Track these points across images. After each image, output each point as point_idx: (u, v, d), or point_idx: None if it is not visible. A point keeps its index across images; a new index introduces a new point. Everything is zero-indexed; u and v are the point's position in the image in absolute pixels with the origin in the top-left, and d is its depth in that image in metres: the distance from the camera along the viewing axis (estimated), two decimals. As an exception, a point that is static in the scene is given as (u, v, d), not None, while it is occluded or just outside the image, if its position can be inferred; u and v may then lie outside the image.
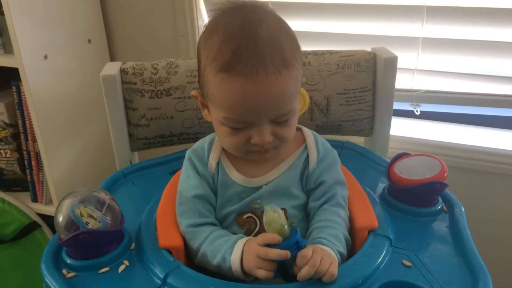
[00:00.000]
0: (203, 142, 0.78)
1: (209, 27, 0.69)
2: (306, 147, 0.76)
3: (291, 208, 0.74)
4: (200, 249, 0.70)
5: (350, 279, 0.63)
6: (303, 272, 0.61)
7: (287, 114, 0.68)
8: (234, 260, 0.66)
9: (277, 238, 0.63)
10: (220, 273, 0.69)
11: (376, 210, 0.77)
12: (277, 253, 0.62)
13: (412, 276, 0.65)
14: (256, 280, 0.66)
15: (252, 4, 0.68)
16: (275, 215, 0.63)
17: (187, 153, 0.78)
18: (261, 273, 0.63)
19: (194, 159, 0.77)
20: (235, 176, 0.75)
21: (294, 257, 0.63)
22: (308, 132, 0.79)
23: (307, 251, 0.62)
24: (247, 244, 0.67)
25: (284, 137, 0.70)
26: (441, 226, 0.77)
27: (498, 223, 1.26)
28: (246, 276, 0.66)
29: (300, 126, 0.78)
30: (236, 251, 0.67)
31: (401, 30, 1.16)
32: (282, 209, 0.72)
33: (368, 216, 0.74)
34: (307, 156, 0.76)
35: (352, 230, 0.74)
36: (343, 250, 0.69)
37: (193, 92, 0.75)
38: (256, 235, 0.73)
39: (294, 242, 0.63)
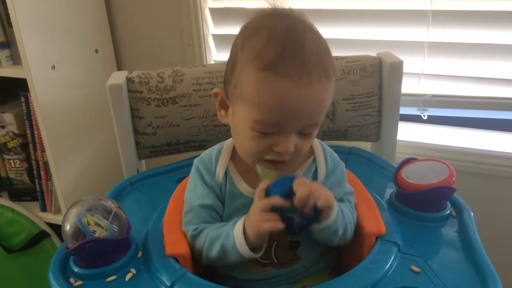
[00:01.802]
0: (211, 151, 0.78)
1: (251, 28, 0.67)
2: (314, 159, 0.76)
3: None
4: (206, 241, 0.70)
5: (358, 285, 0.63)
6: (299, 192, 0.62)
7: (317, 125, 0.67)
8: (236, 231, 0.67)
9: (269, 181, 0.65)
10: (223, 261, 0.69)
11: (384, 215, 0.76)
12: (277, 199, 0.63)
13: (421, 282, 0.64)
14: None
15: (295, 14, 0.68)
16: (267, 169, 0.67)
17: (195, 162, 0.78)
18: (267, 225, 0.63)
19: (201, 169, 0.76)
20: (243, 187, 0.74)
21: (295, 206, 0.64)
22: (317, 143, 0.78)
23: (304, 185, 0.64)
24: (247, 214, 0.68)
25: (301, 150, 0.68)
26: (450, 231, 0.76)
27: (508, 227, 1.24)
28: (252, 250, 0.66)
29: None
30: (239, 224, 0.67)
31: (407, 35, 1.16)
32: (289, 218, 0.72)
33: (376, 222, 0.73)
34: (316, 169, 0.75)
35: (359, 236, 0.73)
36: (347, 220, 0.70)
37: (216, 90, 0.73)
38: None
39: (290, 179, 0.64)
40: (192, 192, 0.75)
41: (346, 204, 0.74)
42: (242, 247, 0.66)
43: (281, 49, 0.62)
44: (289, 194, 0.64)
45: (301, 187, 0.63)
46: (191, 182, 0.77)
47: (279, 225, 0.63)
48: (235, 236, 0.67)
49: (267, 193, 0.66)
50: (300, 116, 0.64)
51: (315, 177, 0.75)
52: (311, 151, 0.76)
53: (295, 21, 0.66)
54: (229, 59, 0.71)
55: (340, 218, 0.69)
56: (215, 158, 0.76)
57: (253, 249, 0.67)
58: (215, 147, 0.78)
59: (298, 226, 0.67)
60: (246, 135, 0.67)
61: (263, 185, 0.66)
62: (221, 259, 0.70)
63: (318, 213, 0.65)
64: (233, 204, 0.74)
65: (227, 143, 0.77)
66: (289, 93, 0.62)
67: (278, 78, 0.62)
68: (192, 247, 0.73)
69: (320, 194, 0.64)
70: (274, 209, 0.64)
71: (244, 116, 0.67)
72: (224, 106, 0.73)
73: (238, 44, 0.68)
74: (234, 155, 0.76)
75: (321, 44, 0.66)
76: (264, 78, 0.62)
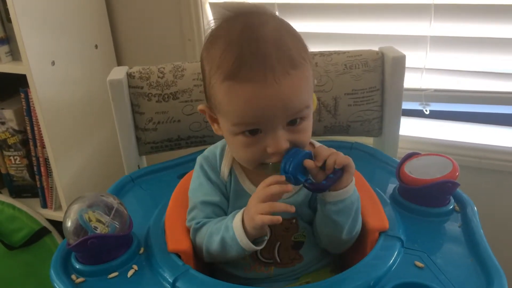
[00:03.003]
0: (215, 149, 0.77)
1: (210, 37, 0.67)
2: None
3: (302, 221, 0.74)
4: (206, 234, 0.70)
5: (361, 281, 0.62)
6: (320, 151, 0.65)
7: (300, 114, 0.65)
8: (236, 223, 0.66)
9: (278, 176, 0.64)
10: (224, 255, 0.68)
11: (387, 211, 0.76)
12: (275, 180, 0.63)
13: (424, 277, 0.64)
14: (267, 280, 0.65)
15: (251, 9, 0.66)
16: (272, 165, 0.66)
17: (199, 160, 0.77)
18: (259, 218, 0.62)
19: (206, 167, 0.75)
20: (248, 186, 0.74)
21: (301, 163, 0.64)
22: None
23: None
24: (246, 206, 0.67)
25: (300, 142, 0.67)
26: (453, 226, 0.75)
27: (511, 222, 1.24)
28: (252, 242, 0.65)
29: (312, 141, 0.76)
30: (238, 216, 0.66)
31: (409, 29, 1.15)
32: (293, 218, 0.72)
33: (379, 217, 0.73)
34: None
35: (363, 231, 0.73)
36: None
37: (200, 107, 0.72)
38: (266, 243, 0.72)
39: (301, 150, 0.65)
40: (197, 190, 0.75)
41: None
42: (242, 239, 0.65)
43: (238, 52, 0.60)
44: (302, 161, 0.64)
45: (322, 149, 0.65)
46: (195, 180, 0.76)
47: (274, 218, 0.61)
48: (234, 228, 0.66)
49: (282, 168, 0.64)
50: (276, 114, 0.62)
51: None
52: None
53: (250, 15, 0.65)
54: (201, 69, 0.71)
55: (355, 196, 0.68)
56: (219, 156, 0.75)
57: (255, 242, 0.66)
58: (218, 145, 0.77)
59: (315, 185, 0.65)
60: (237, 144, 0.67)
61: (270, 178, 0.65)
62: (221, 253, 0.68)
63: (338, 172, 0.65)
64: (238, 202, 0.74)
65: None
66: (257, 96, 0.61)
67: (242, 84, 0.61)
68: (193, 242, 0.72)
69: (340, 155, 0.65)
70: (284, 171, 0.64)
71: (227, 126, 0.66)
72: (214, 119, 0.72)
73: (203, 57, 0.69)
74: None
75: (282, 34, 0.63)
76: (229, 87, 0.62)
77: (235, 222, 0.66)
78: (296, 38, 0.66)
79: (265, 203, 0.63)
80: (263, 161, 0.67)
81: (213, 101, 0.67)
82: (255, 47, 0.60)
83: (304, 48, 0.66)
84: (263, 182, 0.65)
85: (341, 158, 0.64)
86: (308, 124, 0.67)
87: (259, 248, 0.66)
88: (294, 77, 0.62)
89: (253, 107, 0.62)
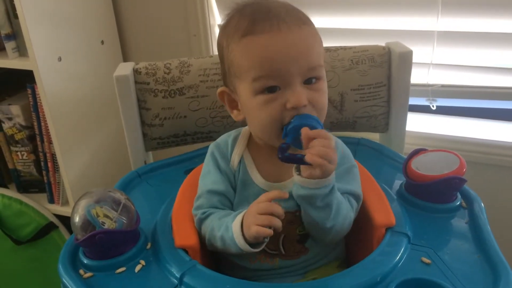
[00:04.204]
0: (227, 137, 0.78)
1: (224, 22, 0.72)
2: None
3: None
4: (209, 227, 0.70)
5: (368, 277, 0.62)
6: (304, 133, 0.63)
7: (315, 72, 0.67)
8: (235, 225, 0.66)
9: (282, 192, 0.65)
10: (225, 251, 0.69)
11: (394, 207, 0.75)
12: (278, 195, 0.64)
13: (431, 274, 0.64)
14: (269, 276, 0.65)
15: None
16: None
17: (210, 147, 0.78)
18: (254, 229, 0.62)
19: (216, 154, 0.76)
20: (256, 177, 0.74)
21: (296, 138, 0.64)
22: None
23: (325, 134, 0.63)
24: (247, 209, 0.67)
25: (319, 103, 0.68)
26: (460, 222, 0.75)
27: (518, 218, 1.24)
28: (250, 245, 0.65)
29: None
30: (238, 218, 0.67)
31: (416, 24, 1.15)
32: (297, 211, 0.72)
33: (386, 213, 0.73)
34: None
35: (369, 227, 0.73)
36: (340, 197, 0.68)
37: (221, 89, 0.74)
38: (271, 236, 0.73)
39: (314, 118, 0.66)
40: (205, 177, 0.76)
41: (346, 200, 0.71)
42: (240, 242, 0.65)
43: (251, 16, 0.66)
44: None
45: (320, 132, 0.63)
46: (205, 167, 0.77)
47: (267, 231, 0.62)
48: (233, 230, 0.66)
49: (287, 125, 0.65)
50: (292, 61, 0.65)
51: None
52: None
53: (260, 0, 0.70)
54: (219, 57, 0.74)
55: (323, 192, 0.65)
56: (231, 144, 0.76)
57: (254, 244, 0.66)
58: (232, 133, 0.78)
59: (281, 151, 0.64)
60: (257, 105, 0.67)
61: (273, 192, 0.65)
62: (223, 249, 0.69)
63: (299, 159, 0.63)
64: (244, 192, 0.74)
65: (245, 130, 0.77)
66: (272, 43, 0.64)
67: (258, 36, 0.65)
68: (199, 231, 0.73)
69: (318, 150, 0.61)
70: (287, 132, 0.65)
71: (246, 88, 0.68)
72: (233, 104, 0.73)
73: (220, 40, 0.73)
74: (250, 142, 0.76)
75: (290, 5, 0.69)
76: (246, 43, 0.66)
77: (235, 224, 0.66)
78: (301, 11, 0.70)
79: (263, 215, 0.63)
80: (282, 121, 0.66)
81: (233, 69, 0.69)
82: (266, 10, 0.66)
83: (308, 17, 0.70)
84: (265, 194, 0.65)
85: (310, 155, 0.61)
86: (324, 86, 0.70)
87: (257, 250, 0.66)
88: (305, 31, 0.67)
89: (270, 54, 0.65)
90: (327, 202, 0.66)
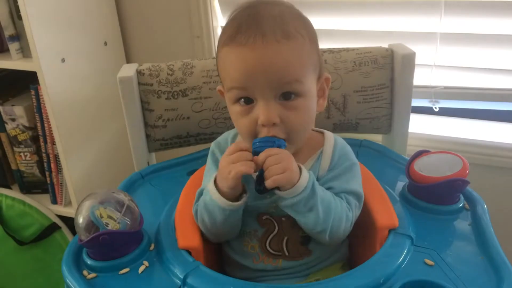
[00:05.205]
0: (228, 134, 0.79)
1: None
2: (321, 153, 0.74)
3: None
4: (199, 207, 0.72)
5: (371, 278, 0.62)
6: (260, 156, 0.65)
7: (290, 87, 0.65)
8: (210, 184, 0.69)
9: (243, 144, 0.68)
10: (215, 224, 0.70)
11: (396, 208, 0.75)
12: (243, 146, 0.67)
13: (434, 275, 0.64)
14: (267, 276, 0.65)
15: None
16: None
17: (211, 146, 0.80)
18: (233, 172, 0.64)
19: (216, 152, 0.78)
20: (254, 174, 0.74)
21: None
22: (329, 137, 0.76)
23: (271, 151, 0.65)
24: (219, 163, 0.69)
25: (291, 123, 0.67)
26: (463, 224, 0.75)
27: (521, 220, 1.23)
28: (229, 199, 0.67)
29: (323, 130, 0.77)
30: (212, 177, 0.70)
31: (419, 26, 1.15)
32: None
33: (389, 214, 0.73)
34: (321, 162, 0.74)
35: (372, 229, 0.73)
36: (322, 193, 0.68)
37: (219, 87, 0.76)
38: (274, 236, 0.73)
39: (278, 141, 0.66)
40: (206, 174, 0.78)
41: (341, 200, 0.71)
42: (216, 196, 0.67)
43: (238, 24, 0.66)
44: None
45: (267, 152, 0.65)
46: (207, 166, 0.79)
47: (243, 168, 0.64)
48: (209, 187, 0.69)
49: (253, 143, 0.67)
50: (263, 77, 0.64)
51: (317, 169, 0.73)
52: (322, 143, 0.76)
53: (261, 1, 0.69)
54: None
55: (316, 198, 0.66)
56: (231, 141, 0.77)
57: (234, 200, 0.68)
58: (232, 131, 0.80)
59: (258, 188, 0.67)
60: (235, 114, 0.70)
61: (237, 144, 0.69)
62: (212, 222, 0.70)
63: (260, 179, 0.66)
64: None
65: None
66: (246, 57, 0.64)
67: (235, 47, 0.65)
68: (197, 222, 0.73)
69: (270, 170, 0.64)
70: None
71: (227, 95, 0.70)
72: None
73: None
74: None
75: (287, 12, 0.67)
76: (225, 52, 0.68)
77: (210, 184, 0.69)
78: (298, 16, 0.69)
79: (238, 163, 0.65)
80: (257, 134, 0.68)
81: (219, 74, 0.72)
82: (252, 19, 0.66)
83: (305, 24, 0.69)
84: (233, 144, 0.69)
85: (269, 173, 0.64)
86: (305, 105, 0.68)
87: (236, 203, 0.67)
88: (284, 46, 0.64)
89: (240, 68, 0.65)
90: (310, 206, 0.67)
